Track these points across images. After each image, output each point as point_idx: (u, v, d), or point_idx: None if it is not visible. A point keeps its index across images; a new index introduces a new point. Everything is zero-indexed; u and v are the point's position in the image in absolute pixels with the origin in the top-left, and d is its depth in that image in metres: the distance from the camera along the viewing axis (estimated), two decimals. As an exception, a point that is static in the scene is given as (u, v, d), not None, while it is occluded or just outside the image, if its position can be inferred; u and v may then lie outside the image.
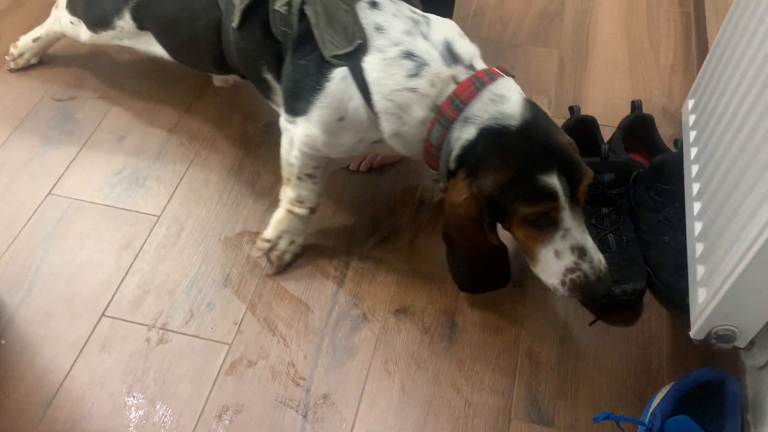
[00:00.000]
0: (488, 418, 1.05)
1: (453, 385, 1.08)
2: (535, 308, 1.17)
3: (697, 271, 0.95)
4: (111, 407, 1.04)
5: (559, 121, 1.41)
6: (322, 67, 1.01)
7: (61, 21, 1.41)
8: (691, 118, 1.15)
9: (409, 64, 0.98)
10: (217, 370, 1.08)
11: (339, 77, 1.00)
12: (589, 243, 0.99)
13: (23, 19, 1.62)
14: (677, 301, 1.13)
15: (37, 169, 1.35)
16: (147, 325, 1.13)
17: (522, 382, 1.09)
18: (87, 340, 1.11)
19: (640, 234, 1.20)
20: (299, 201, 1.16)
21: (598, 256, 1.00)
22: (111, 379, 1.07)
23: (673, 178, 1.18)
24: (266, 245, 1.18)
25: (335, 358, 1.10)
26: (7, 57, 1.50)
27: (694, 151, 1.08)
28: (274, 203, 1.21)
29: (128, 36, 1.30)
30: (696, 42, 1.63)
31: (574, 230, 0.98)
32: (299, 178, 1.14)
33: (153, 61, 1.34)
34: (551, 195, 0.95)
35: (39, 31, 1.48)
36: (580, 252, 0.98)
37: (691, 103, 1.20)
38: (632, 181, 1.21)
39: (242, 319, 1.14)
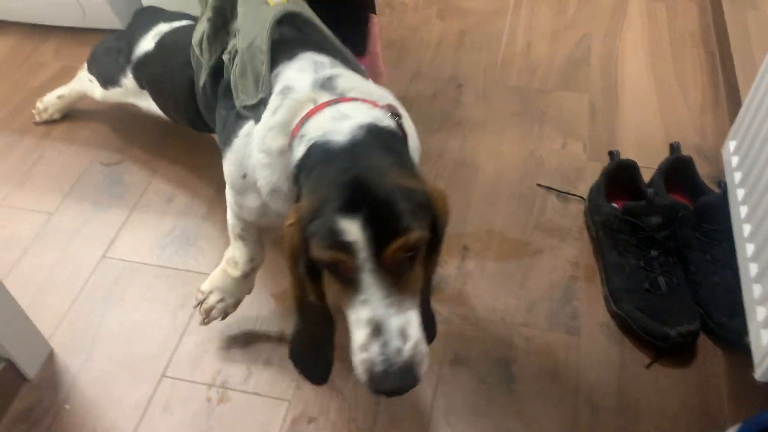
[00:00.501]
0: (552, 467, 1.04)
1: (515, 435, 1.08)
2: (590, 354, 1.18)
3: (758, 312, 0.95)
4: (176, 469, 1.05)
5: (597, 165, 1.44)
6: (236, 121, 0.95)
7: (82, 80, 1.52)
8: (734, 159, 1.17)
9: (277, 100, 0.90)
10: (279, 427, 1.09)
11: (244, 133, 0.94)
12: (394, 322, 0.74)
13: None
14: (732, 341, 1.13)
15: (90, 232, 1.38)
16: (207, 384, 1.15)
17: (583, 428, 1.08)
18: (149, 401, 1.13)
19: (689, 275, 1.21)
20: (234, 261, 1.13)
21: (397, 344, 0.74)
22: (175, 440, 1.08)
23: (718, 218, 1.20)
24: (199, 296, 1.16)
25: (396, 413, 1.11)
26: (33, 110, 1.61)
27: (741, 193, 1.10)
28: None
29: (132, 94, 1.40)
30: (723, 80, 1.66)
31: (376, 300, 0.74)
32: (234, 238, 1.12)
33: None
34: (343, 246, 0.73)
35: (63, 90, 1.59)
36: (377, 330, 0.74)
37: (732, 144, 1.22)
38: (678, 223, 1.22)
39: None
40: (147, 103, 1.38)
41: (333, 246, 0.73)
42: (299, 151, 0.84)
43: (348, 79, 0.91)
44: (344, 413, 1.11)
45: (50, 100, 1.60)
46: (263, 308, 1.25)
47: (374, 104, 0.87)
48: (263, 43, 0.93)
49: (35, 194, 1.46)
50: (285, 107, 0.88)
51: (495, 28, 1.87)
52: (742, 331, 1.09)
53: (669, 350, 1.15)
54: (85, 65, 1.52)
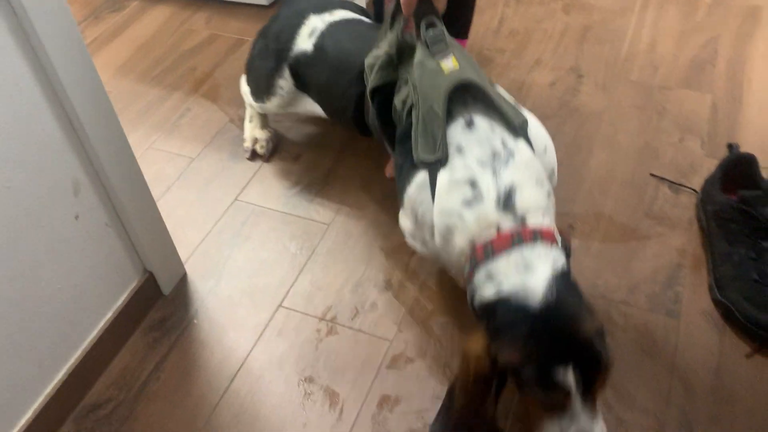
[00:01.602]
0: (640, 435, 1.07)
1: (605, 402, 1.11)
2: (689, 338, 1.19)
3: None
4: (285, 386, 1.16)
5: (713, 162, 1.44)
6: (411, 169, 1.07)
7: (246, 97, 1.55)
8: None
9: (468, 192, 0.99)
10: (380, 363, 1.18)
11: (417, 183, 1.06)
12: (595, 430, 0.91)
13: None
14: (842, 341, 1.11)
15: (226, 178, 1.53)
16: (318, 318, 1.25)
17: (675, 406, 1.10)
18: (266, 326, 1.25)
19: (801, 271, 1.19)
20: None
21: None
22: (286, 362, 1.19)
23: (839, 216, 1.17)
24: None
25: (489, 364, 1.16)
26: (246, 153, 1.58)
27: None
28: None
29: (289, 98, 1.42)
30: None
31: (583, 418, 0.90)
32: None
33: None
34: (561, 389, 0.88)
35: (247, 112, 1.60)
36: None
37: None
38: (794, 218, 1.20)
39: (402, 320, 1.24)
40: (306, 107, 1.42)
41: (554, 390, 0.88)
42: (487, 291, 0.96)
43: (522, 189, 0.99)
44: (440, 359, 1.18)
45: (248, 130, 1.58)
46: (373, 260, 1.34)
47: (551, 239, 0.98)
48: (440, 109, 1.03)
49: (180, 141, 1.63)
50: (473, 215, 0.98)
51: (620, 25, 1.89)
52: None
53: (773, 341, 1.14)
54: (243, 82, 1.56)
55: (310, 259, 1.35)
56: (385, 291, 1.29)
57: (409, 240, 1.17)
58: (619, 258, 1.32)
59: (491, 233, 0.97)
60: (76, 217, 1.06)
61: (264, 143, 1.56)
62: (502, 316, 0.93)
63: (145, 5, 2.09)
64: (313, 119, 1.65)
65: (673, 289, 1.26)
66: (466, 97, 1.06)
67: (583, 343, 0.89)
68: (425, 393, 1.13)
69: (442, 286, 1.29)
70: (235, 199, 1.48)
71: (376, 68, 1.17)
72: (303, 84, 1.39)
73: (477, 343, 0.94)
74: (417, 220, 1.10)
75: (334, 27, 1.35)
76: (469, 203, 0.99)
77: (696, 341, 1.18)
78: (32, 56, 0.92)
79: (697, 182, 1.42)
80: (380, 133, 1.24)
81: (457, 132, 1.04)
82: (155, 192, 1.34)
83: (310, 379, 1.17)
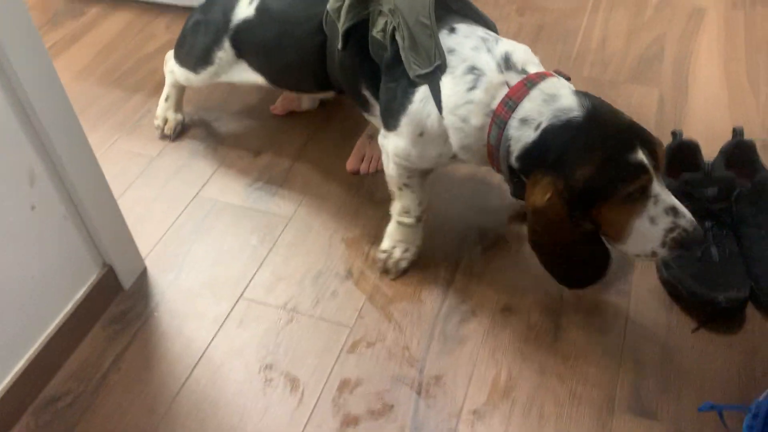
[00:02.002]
0: (592, 408, 1.10)
1: (558, 376, 1.15)
2: (638, 314, 1.23)
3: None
4: (245, 374, 1.17)
5: (661, 148, 1.49)
6: (408, 89, 1.11)
7: (175, 72, 1.56)
8: (794, 138, 1.21)
9: (469, 78, 1.07)
10: (340, 348, 1.20)
11: (419, 98, 1.11)
12: (676, 202, 1.02)
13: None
14: (782, 313, 1.16)
15: (186, 175, 1.54)
16: (279, 307, 1.27)
17: (626, 378, 1.14)
18: (226, 317, 1.26)
19: (743, 250, 1.24)
20: (405, 211, 1.28)
21: (685, 210, 1.02)
22: (246, 350, 1.20)
23: (776, 196, 1.23)
24: (383, 255, 1.31)
25: (446, 346, 1.19)
26: (157, 131, 1.63)
27: (797, 166, 1.14)
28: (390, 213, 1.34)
29: (226, 68, 1.43)
30: (797, 83, 1.68)
31: (663, 194, 1.00)
32: (399, 189, 1.26)
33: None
34: (644, 169, 0.98)
35: (165, 91, 1.62)
36: (674, 212, 1.00)
37: (793, 125, 1.26)
38: (735, 198, 1.26)
39: (362, 307, 1.26)
40: (241, 75, 1.43)
41: (640, 173, 0.98)
42: (526, 134, 1.03)
43: (515, 52, 1.09)
44: (399, 341, 1.20)
45: (161, 109, 1.62)
46: (333, 250, 1.37)
47: (549, 74, 1.08)
48: (428, 17, 1.08)
49: (141, 141, 1.63)
50: (481, 89, 1.06)
51: (572, 25, 1.95)
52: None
53: (717, 316, 1.19)
54: (170, 57, 1.58)
55: (271, 251, 1.37)
56: (346, 280, 1.31)
57: (399, 160, 1.20)
58: (572, 243, 1.36)
59: (504, 91, 1.05)
60: (33, 208, 1.07)
61: (173, 125, 1.62)
62: (559, 142, 1.00)
63: (105, 11, 2.09)
64: (274, 117, 1.68)
65: (622, 270, 1.30)
66: (442, 10, 1.13)
67: (635, 127, 1.01)
68: (385, 375, 1.16)
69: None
70: (196, 195, 1.50)
71: (345, 9, 1.18)
72: (243, 52, 1.40)
73: (540, 191, 1.01)
74: (423, 135, 1.13)
75: None
76: (474, 84, 1.06)
77: (645, 318, 1.23)
78: (-15, 44, 0.93)
79: (645, 170, 1.48)
80: (356, 76, 1.23)
81: (444, 39, 1.10)
82: (116, 190, 1.35)
83: (270, 366, 1.18)
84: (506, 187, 1.46)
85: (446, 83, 1.08)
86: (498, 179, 1.47)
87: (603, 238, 1.07)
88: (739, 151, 1.35)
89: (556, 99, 1.03)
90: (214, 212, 1.46)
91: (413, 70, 1.09)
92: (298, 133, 1.64)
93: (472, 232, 1.39)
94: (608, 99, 1.67)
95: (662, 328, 1.21)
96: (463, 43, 1.10)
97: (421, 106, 1.11)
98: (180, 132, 1.64)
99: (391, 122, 1.17)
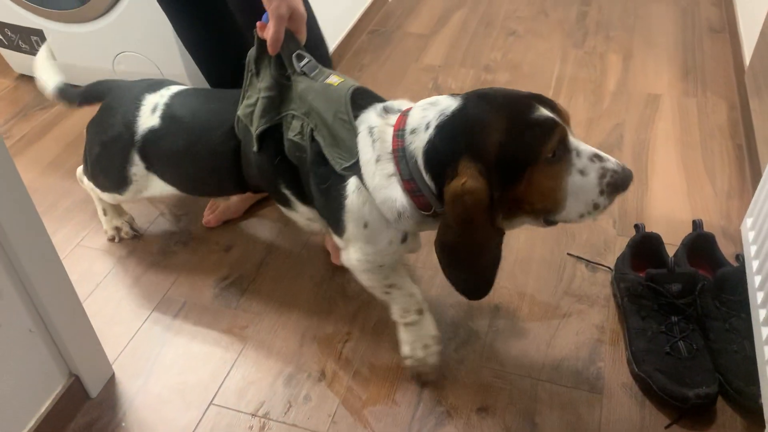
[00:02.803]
0: None
1: (535, 480, 1.14)
2: (612, 412, 1.23)
3: (768, 372, 1.01)
4: (217, 488, 1.14)
5: (625, 240, 1.54)
6: (339, 186, 1.11)
7: (101, 195, 1.52)
8: (751, 235, 1.26)
9: (369, 138, 1.08)
10: (314, 457, 1.17)
11: (351, 190, 1.10)
12: (594, 149, 1.01)
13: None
14: (749, 407, 1.18)
15: (155, 274, 1.53)
16: (250, 414, 1.24)
17: (602, 481, 1.13)
18: (196, 426, 1.23)
19: (709, 343, 1.27)
20: (405, 311, 1.24)
21: (605, 154, 1.01)
22: (217, 462, 1.17)
23: (737, 289, 1.27)
24: (410, 362, 1.27)
25: (422, 451, 1.18)
26: (110, 241, 1.62)
27: (756, 264, 1.18)
28: (364, 305, 1.35)
29: (144, 183, 1.40)
30: (750, 170, 1.76)
31: (581, 145, 1.00)
32: (387, 293, 1.23)
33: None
34: (555, 122, 0.97)
35: (98, 206, 1.60)
36: (598, 158, 0.99)
37: (749, 221, 1.31)
38: (698, 292, 1.29)
39: (335, 412, 1.24)
40: (160, 189, 1.40)
41: (553, 126, 0.97)
42: (422, 139, 1.03)
43: (393, 102, 1.14)
44: (375, 448, 1.18)
45: (106, 224, 1.61)
46: (305, 350, 1.36)
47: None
48: (345, 113, 1.11)
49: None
50: (377, 139, 1.08)
51: (534, 114, 2.02)
52: (759, 397, 1.14)
53: (688, 412, 1.20)
54: (82, 174, 1.55)
55: (241, 353, 1.35)
56: (318, 382, 1.30)
57: (364, 266, 1.18)
58: (543, 336, 1.37)
59: (391, 131, 1.07)
60: (-3, 325, 1.04)
61: (128, 228, 1.61)
62: (453, 133, 1.00)
63: (76, 102, 2.11)
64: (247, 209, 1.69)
65: (595, 365, 1.31)
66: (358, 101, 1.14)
67: (524, 92, 1.02)
68: (360, 485, 1.13)
69: (375, 372, 1.31)
70: (165, 294, 1.48)
71: (257, 114, 1.19)
72: (152, 163, 1.37)
73: (457, 180, 0.98)
74: (368, 227, 1.12)
75: (177, 96, 1.36)
76: (373, 139, 1.08)
77: (619, 415, 1.23)
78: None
79: (612, 260, 1.51)
80: (275, 177, 1.23)
81: (359, 123, 1.12)
82: (83, 290, 1.33)
83: (242, 479, 1.15)
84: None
85: (363, 159, 1.09)
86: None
87: (536, 219, 1.06)
88: (699, 244, 1.39)
89: (437, 104, 1.05)
90: (184, 312, 1.44)
91: (339, 164, 1.10)
92: (269, 227, 1.65)
93: (442, 328, 1.39)
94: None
95: (636, 424, 1.22)
96: (369, 115, 1.12)
97: (355, 196, 1.10)
98: (135, 231, 1.62)
99: (337, 227, 1.16)
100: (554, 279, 1.50)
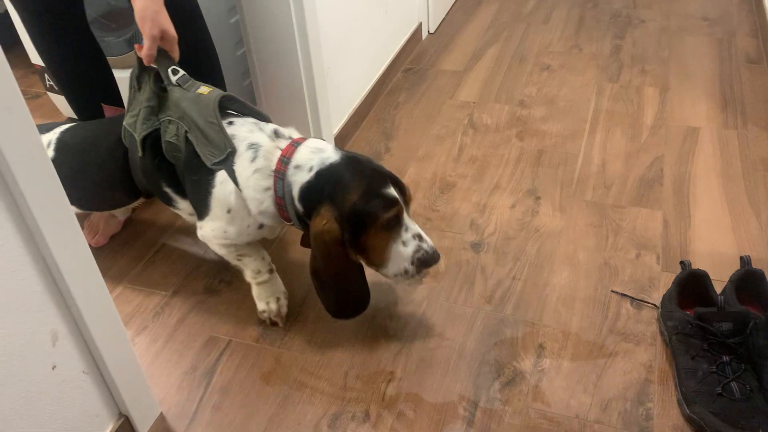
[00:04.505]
0: None
1: None
2: (662, 454, 1.21)
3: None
4: None
5: (670, 276, 1.52)
6: (209, 178, 1.33)
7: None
8: (803, 272, 1.23)
9: (251, 152, 1.31)
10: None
11: (219, 181, 1.33)
12: (420, 230, 1.31)
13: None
14: (810, 451, 1.14)
15: (200, 313, 1.55)
16: (296, 455, 1.24)
17: None
18: (243, 467, 1.23)
19: (763, 384, 1.24)
20: (257, 272, 1.46)
21: (427, 237, 1.31)
22: (264, 504, 1.17)
23: (790, 328, 1.24)
24: (264, 315, 1.49)
25: (470, 495, 1.16)
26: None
27: (809, 302, 1.15)
28: (407, 344, 1.35)
29: None
30: (796, 203, 1.72)
31: (410, 224, 1.30)
32: (239, 260, 1.45)
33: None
34: (397, 201, 1.27)
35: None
36: (419, 238, 1.30)
37: (800, 257, 1.28)
38: (750, 331, 1.27)
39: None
40: None
41: (394, 203, 1.26)
42: (303, 177, 1.29)
43: (281, 128, 1.38)
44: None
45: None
46: (348, 390, 1.35)
47: (309, 138, 1.37)
48: (214, 117, 1.32)
49: (156, 277, 1.66)
50: (261, 157, 1.31)
51: (571, 148, 2.02)
52: (818, 440, 1.10)
53: (744, 456, 1.17)
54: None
55: (285, 394, 1.35)
56: (363, 423, 1.29)
57: (220, 240, 1.40)
58: (589, 376, 1.35)
59: (278, 153, 1.31)
60: (53, 368, 1.07)
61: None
62: (328, 180, 1.27)
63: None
64: (291, 244, 1.70)
65: (644, 406, 1.29)
66: (221, 110, 1.36)
67: (386, 172, 1.31)
68: None
69: (419, 413, 1.30)
70: (211, 335, 1.50)
71: (140, 121, 1.39)
72: None
73: (320, 220, 1.25)
74: (231, 212, 1.34)
75: (67, 130, 1.56)
76: (255, 155, 1.31)
77: (671, 459, 1.20)
78: (17, 216, 0.96)
79: (657, 297, 1.49)
80: (157, 177, 1.42)
81: (236, 131, 1.34)
82: (131, 331, 1.35)
83: None
84: (516, 316, 1.47)
85: (237, 163, 1.31)
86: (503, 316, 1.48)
87: (368, 268, 1.32)
88: (748, 281, 1.37)
89: (322, 151, 1.31)
90: (229, 351, 1.45)
91: (209, 160, 1.32)
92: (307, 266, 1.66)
93: (487, 368, 1.38)
94: (613, 222, 1.74)
95: (689, 469, 1.19)
96: (240, 129, 1.35)
97: (222, 187, 1.32)
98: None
99: (203, 209, 1.37)
100: (599, 317, 1.48)
